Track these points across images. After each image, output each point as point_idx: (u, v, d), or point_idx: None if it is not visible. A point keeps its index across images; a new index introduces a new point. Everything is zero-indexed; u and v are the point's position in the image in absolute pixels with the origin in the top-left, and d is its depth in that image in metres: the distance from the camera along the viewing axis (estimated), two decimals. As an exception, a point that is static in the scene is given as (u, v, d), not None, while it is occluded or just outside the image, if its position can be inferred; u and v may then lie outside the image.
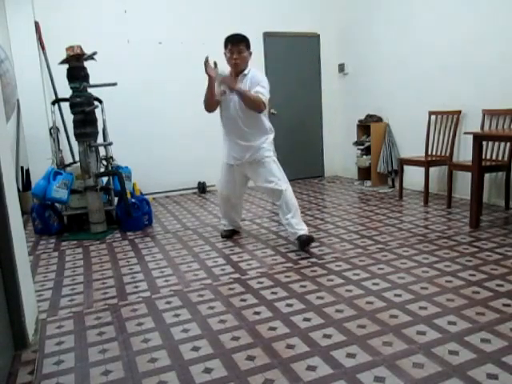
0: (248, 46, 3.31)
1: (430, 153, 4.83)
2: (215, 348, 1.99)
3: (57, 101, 4.55)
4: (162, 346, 2.03)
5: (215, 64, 3.21)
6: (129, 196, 4.14)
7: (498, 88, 4.13)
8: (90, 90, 4.08)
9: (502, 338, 1.93)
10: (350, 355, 1.87)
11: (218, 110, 3.47)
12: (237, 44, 3.26)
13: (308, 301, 2.42)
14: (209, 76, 3.21)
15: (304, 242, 3.24)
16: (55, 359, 1.99)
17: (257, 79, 3.30)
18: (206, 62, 3.15)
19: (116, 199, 4.35)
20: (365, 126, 5.78)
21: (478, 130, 4.19)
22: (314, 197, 5.27)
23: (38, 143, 4.97)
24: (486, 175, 4.12)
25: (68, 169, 4.34)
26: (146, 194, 5.16)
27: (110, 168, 4.33)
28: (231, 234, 3.79)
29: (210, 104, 3.37)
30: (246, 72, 3.32)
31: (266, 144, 3.39)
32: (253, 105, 3.19)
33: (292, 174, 3.93)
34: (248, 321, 2.24)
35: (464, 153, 4.53)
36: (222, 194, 3.66)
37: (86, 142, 4.04)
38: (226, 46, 3.30)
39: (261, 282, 2.73)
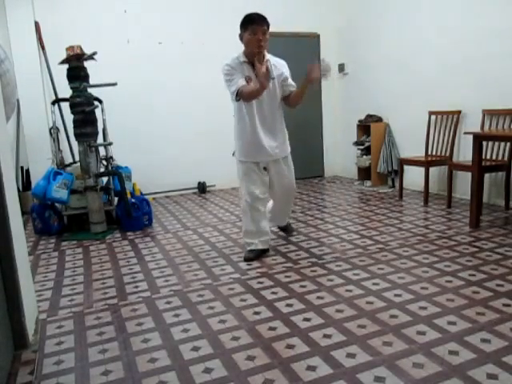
0: (269, 28, 2.93)
1: (430, 153, 4.83)
2: (215, 348, 1.99)
3: (57, 101, 4.55)
4: (161, 346, 2.03)
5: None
6: (129, 196, 4.14)
7: (498, 88, 4.13)
8: (89, 90, 4.08)
9: (502, 338, 1.93)
10: (350, 355, 1.87)
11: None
12: (261, 24, 2.86)
13: (308, 301, 2.42)
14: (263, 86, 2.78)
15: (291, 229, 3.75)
16: (55, 359, 1.99)
17: (282, 64, 3.06)
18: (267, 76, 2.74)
19: (116, 199, 4.35)
20: (365, 126, 5.78)
21: (478, 129, 4.18)
22: (314, 197, 5.27)
23: (37, 143, 4.98)
24: (486, 175, 4.11)
25: (68, 169, 4.34)
26: (146, 194, 5.16)
27: (110, 168, 4.33)
28: (260, 255, 3.19)
29: (256, 97, 2.94)
30: (267, 57, 2.95)
31: (287, 139, 3.26)
32: (299, 100, 3.04)
33: (292, 173, 3.92)
34: (248, 321, 2.24)
35: (464, 153, 4.53)
36: (258, 197, 3.11)
37: (86, 142, 4.04)
38: (245, 27, 2.89)
39: (261, 282, 2.73)
